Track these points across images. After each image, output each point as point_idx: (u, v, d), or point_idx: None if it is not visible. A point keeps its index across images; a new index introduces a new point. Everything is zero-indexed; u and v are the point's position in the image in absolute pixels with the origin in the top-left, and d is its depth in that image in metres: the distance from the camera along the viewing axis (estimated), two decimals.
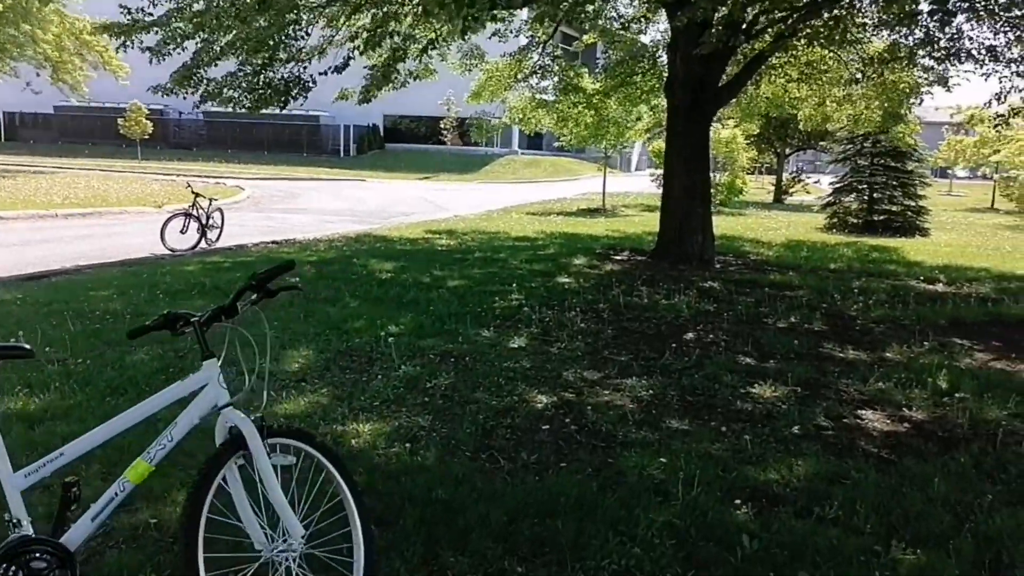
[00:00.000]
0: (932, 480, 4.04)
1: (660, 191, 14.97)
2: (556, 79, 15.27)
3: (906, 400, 5.49)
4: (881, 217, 19.93)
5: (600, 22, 14.71)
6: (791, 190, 34.42)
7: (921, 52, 12.01)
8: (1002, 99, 11.17)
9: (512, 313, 7.98)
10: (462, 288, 9.33)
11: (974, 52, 10.71)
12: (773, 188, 34.37)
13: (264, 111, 12.18)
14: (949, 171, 46.57)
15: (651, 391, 5.58)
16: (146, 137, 43.93)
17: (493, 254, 12.70)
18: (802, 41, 13.20)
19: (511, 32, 14.17)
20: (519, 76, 15.40)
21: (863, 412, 5.25)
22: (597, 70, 14.91)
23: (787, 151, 34.42)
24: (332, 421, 4.57)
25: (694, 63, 12.05)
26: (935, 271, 12.20)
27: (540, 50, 14.79)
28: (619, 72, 14.77)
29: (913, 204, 19.85)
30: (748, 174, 41.63)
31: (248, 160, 45.91)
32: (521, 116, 16.41)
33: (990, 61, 10.67)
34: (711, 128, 24.78)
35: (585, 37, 15.71)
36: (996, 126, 11.20)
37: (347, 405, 4.88)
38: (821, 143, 32.29)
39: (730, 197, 25.32)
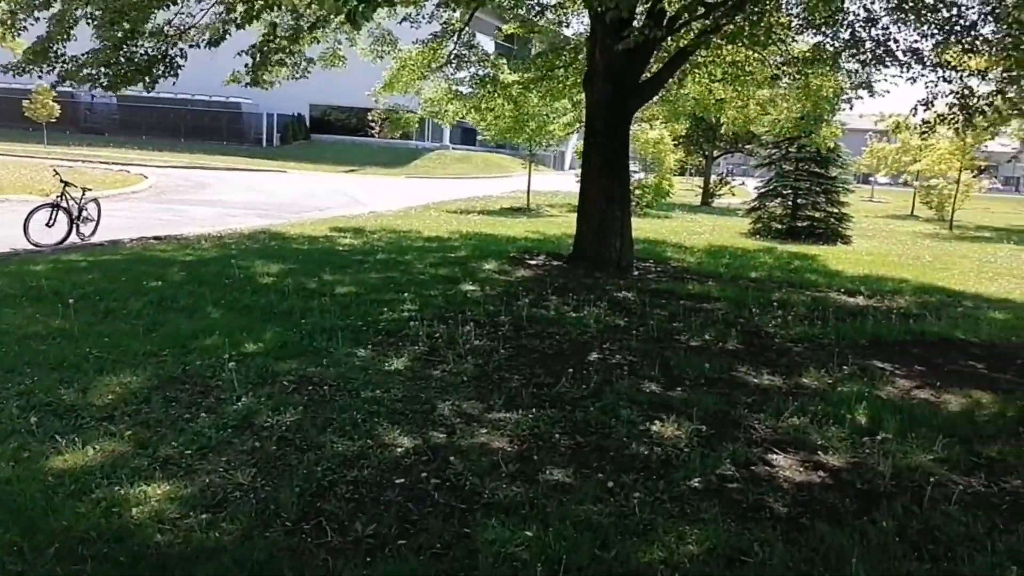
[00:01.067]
0: (849, 555, 3.35)
1: None
2: (473, 70, 14.42)
3: (823, 440, 4.84)
4: (804, 223, 19.69)
5: (520, 11, 13.95)
6: (718, 193, 34.34)
7: (846, 54, 11.58)
8: (929, 105, 10.77)
9: (398, 327, 7.12)
10: (350, 296, 8.42)
11: (899, 55, 10.27)
12: (701, 190, 34.23)
13: (184, 95, 11.10)
14: (871, 177, 47.42)
15: (536, 428, 4.80)
16: (53, 121, 41.40)
17: (398, 256, 11.80)
18: (725, 40, 12.68)
19: (423, 18, 13.27)
20: (434, 66, 14.49)
21: (774, 456, 4.57)
22: (514, 61, 14.12)
23: (715, 153, 34.32)
24: (116, 481, 3.63)
25: (615, 56, 11.37)
26: (856, 282, 11.79)
27: (456, 38, 13.92)
28: (539, 64, 14.01)
29: (836, 211, 19.67)
30: (678, 175, 41.62)
31: (163, 147, 43.81)
32: (436, 109, 15.51)
33: (916, 64, 10.24)
34: (633, 126, 24.40)
35: (505, 27, 14.91)
36: (922, 133, 10.79)
37: (149, 455, 3.95)
38: (747, 146, 32.25)
39: (656, 199, 24.89)
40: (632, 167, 30.57)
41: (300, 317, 7.19)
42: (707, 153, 33.84)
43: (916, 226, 27.44)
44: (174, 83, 10.61)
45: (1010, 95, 10.37)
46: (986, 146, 28.78)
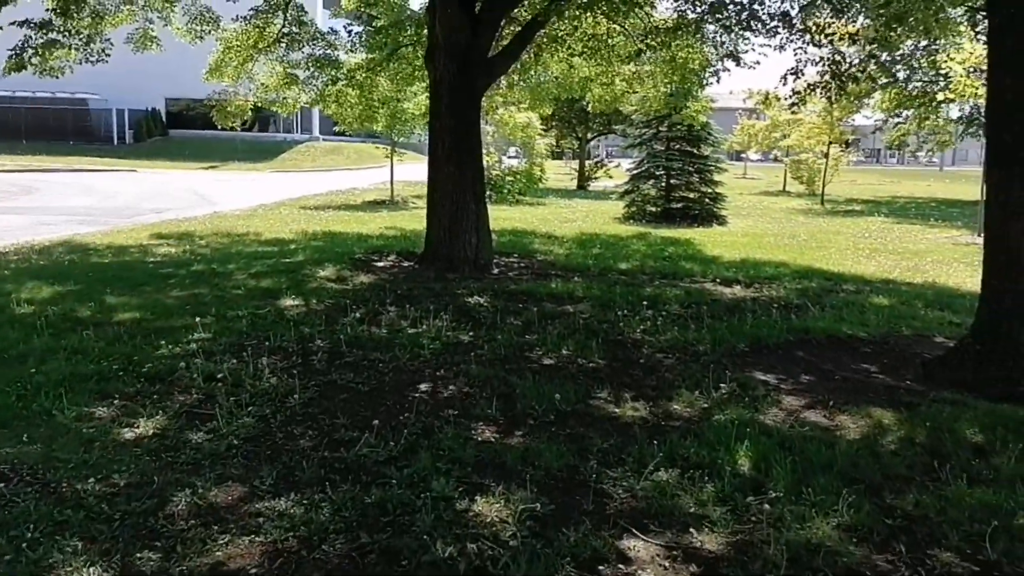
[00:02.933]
0: None
1: None
2: (307, 50, 12.75)
3: (696, 505, 3.65)
4: (679, 205, 18.95)
5: None
6: (594, 176, 33.61)
7: (710, 21, 10.64)
8: (798, 74, 9.93)
9: (170, 368, 5.55)
10: (127, 325, 6.76)
11: (764, 19, 9.35)
12: (576, 174, 33.43)
13: (24, 92, 9.03)
14: (743, 155, 48.05)
15: (309, 525, 3.40)
16: None
17: (219, 266, 10.11)
18: (580, 9, 11.54)
19: None
20: (263, 47, 12.74)
21: (632, 544, 3.34)
22: (350, 40, 12.56)
23: (589, 136, 33.57)
24: None
25: (457, 27, 10.03)
26: (733, 268, 10.91)
27: (284, 14, 12.23)
28: (380, 42, 12.49)
29: (710, 191, 19.01)
30: (556, 159, 40.77)
31: (1, 150, 39.64)
32: (272, 96, 13.76)
33: (784, 29, 9.35)
34: (500, 110, 23.16)
35: (344, 1, 13.29)
36: (792, 105, 9.94)
37: None
38: (618, 126, 31.58)
39: (529, 186, 23.77)
40: (511, 152, 29.65)
41: (37, 363, 5.52)
42: (580, 136, 33.03)
43: (789, 202, 27.41)
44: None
45: (883, 58, 9.62)
46: (852, 119, 29.11)
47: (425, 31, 12.31)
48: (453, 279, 9.63)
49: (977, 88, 14.78)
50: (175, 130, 52.48)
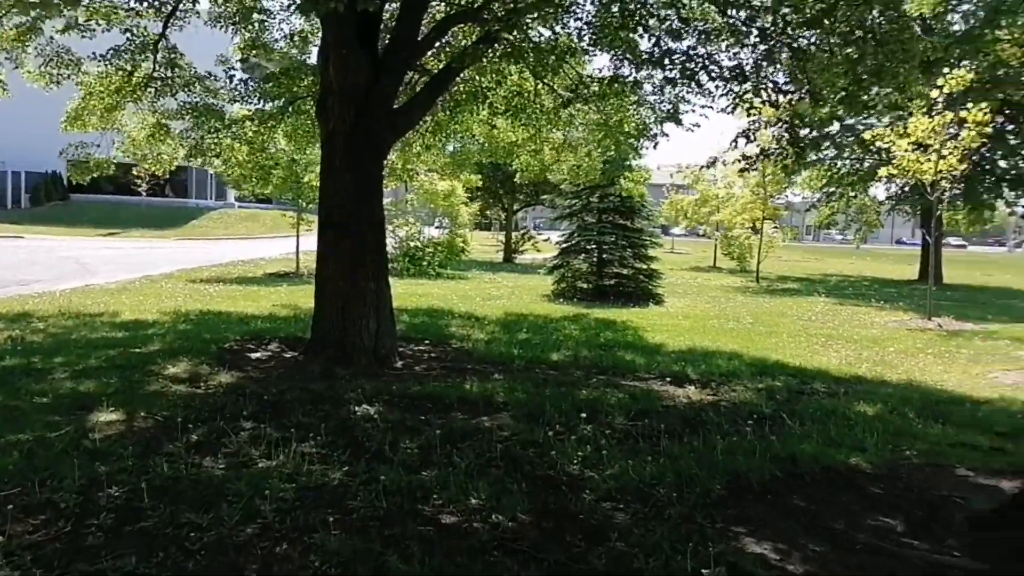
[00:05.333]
0: None
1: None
2: (182, 97, 10.81)
3: None
4: (611, 281, 17.41)
5: (243, 25, 10.61)
6: (521, 248, 32.14)
7: (648, 78, 9.23)
8: (749, 137, 8.51)
9: None
10: None
11: (717, 72, 7.89)
12: (503, 246, 31.92)
13: None
14: (669, 229, 47.65)
15: None
16: None
17: (41, 360, 7.92)
18: (504, 61, 10.04)
19: (98, 24, 9.63)
20: (129, 92, 10.76)
21: None
22: (233, 88, 10.68)
23: (516, 206, 32.20)
24: None
25: (355, 70, 8.32)
26: (682, 361, 9.24)
27: (153, 55, 10.31)
28: (272, 92, 10.67)
29: (644, 267, 17.56)
30: (483, 230, 39.31)
31: None
32: (143, 150, 11.76)
33: (738, 85, 7.91)
34: (422, 176, 21.52)
35: (231, 46, 11.46)
36: (742, 171, 8.48)
37: None
38: (546, 196, 30.34)
39: (450, 258, 22.01)
40: (436, 223, 27.91)
41: None
42: (507, 206, 31.62)
43: (722, 279, 26.30)
44: None
45: (848, 121, 8.28)
46: (784, 196, 28.52)
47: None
48: (343, 376, 7.67)
49: (923, 163, 13.83)
50: (78, 194, 49.34)
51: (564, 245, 18.52)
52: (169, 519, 4.11)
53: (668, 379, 8.20)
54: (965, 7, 17.54)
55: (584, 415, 6.31)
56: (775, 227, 26.60)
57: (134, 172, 44.90)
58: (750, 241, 26.86)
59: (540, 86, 10.78)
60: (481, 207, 30.37)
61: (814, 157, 22.02)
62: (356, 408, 6.47)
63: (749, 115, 8.32)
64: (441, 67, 9.64)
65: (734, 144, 8.78)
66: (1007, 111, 19.03)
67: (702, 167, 19.64)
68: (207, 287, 16.21)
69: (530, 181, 19.78)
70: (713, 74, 7.85)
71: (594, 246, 17.84)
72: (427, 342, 10.14)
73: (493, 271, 25.39)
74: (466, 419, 6.32)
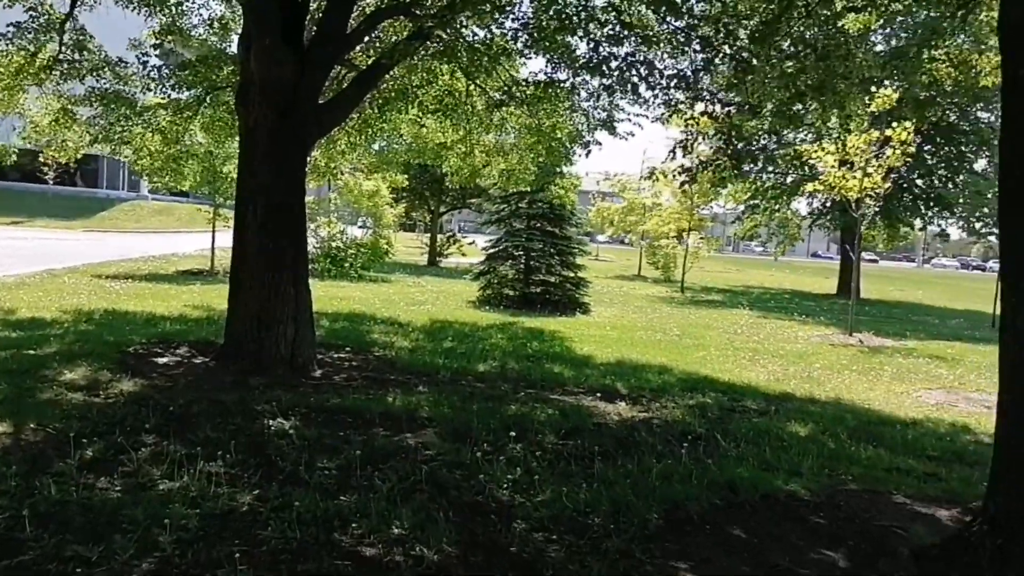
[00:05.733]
0: None
1: None
2: (89, 82, 10.09)
3: None
4: (538, 289, 17.19)
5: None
6: (447, 252, 31.74)
7: (584, 84, 9.05)
8: (687, 148, 8.39)
9: None
10: None
11: (657, 80, 7.73)
12: (428, 249, 31.44)
13: None
14: (595, 236, 47.96)
15: None
16: None
17: None
18: (436, 60, 9.70)
19: None
20: (36, 74, 9.99)
21: None
22: (146, 74, 10.01)
23: (442, 208, 31.78)
24: None
25: (278, 62, 7.86)
26: (611, 374, 9.06)
27: (59, 33, 9.59)
28: (188, 80, 10.05)
29: (572, 275, 17.40)
30: (408, 231, 38.72)
31: None
32: (44, 135, 10.96)
33: (679, 92, 7.77)
34: (346, 175, 20.97)
35: (145, 30, 10.78)
36: (683, 184, 8.36)
37: None
38: (474, 200, 30.01)
39: (373, 260, 21.46)
40: (359, 222, 27.23)
41: None
42: (433, 208, 31.17)
43: (647, 288, 26.46)
44: None
45: (786, 135, 8.23)
46: (711, 207, 28.92)
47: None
48: (257, 386, 7.21)
49: (848, 180, 14.09)
50: None
51: (491, 251, 18.24)
52: (53, 552, 3.66)
53: (598, 394, 7.99)
54: (899, 26, 18.09)
55: (513, 433, 6.00)
56: (701, 237, 26.95)
57: (40, 159, 42.83)
58: (675, 251, 27.15)
59: (472, 87, 10.49)
60: (406, 208, 29.84)
61: (747, 169, 22.35)
62: (270, 422, 6.04)
63: (686, 125, 8.18)
64: (370, 63, 9.24)
65: (672, 155, 8.64)
66: (927, 131, 19.69)
67: (642, 178, 19.69)
68: (114, 284, 15.33)
69: (459, 184, 19.40)
70: (652, 82, 7.68)
71: (521, 252, 17.62)
72: (348, 349, 9.71)
73: (417, 274, 24.95)
74: (388, 436, 5.97)
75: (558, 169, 14.94)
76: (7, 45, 9.62)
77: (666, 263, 28.95)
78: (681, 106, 8.19)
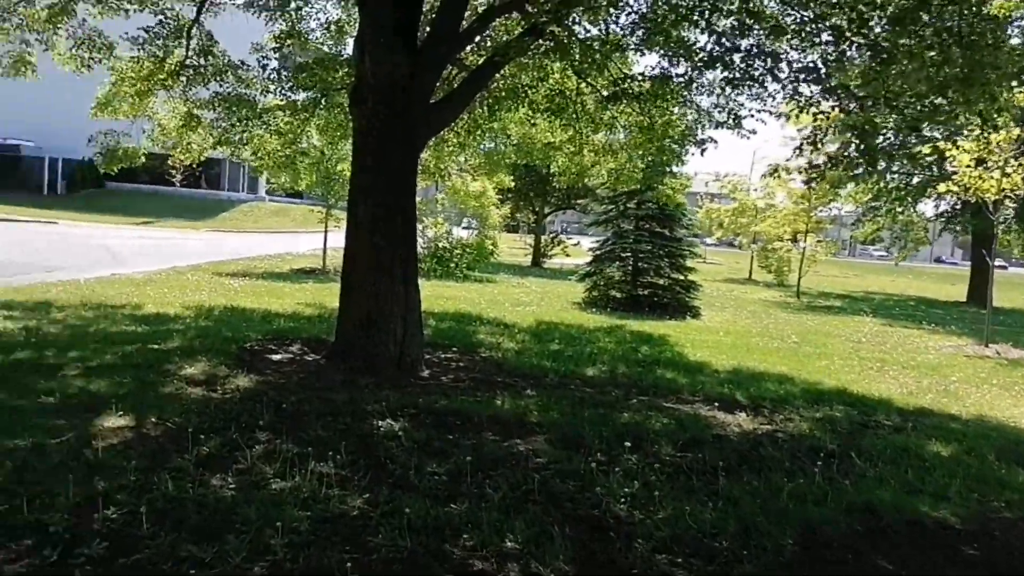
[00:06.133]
0: None
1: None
2: (213, 87, 10.43)
3: None
4: (646, 292, 16.78)
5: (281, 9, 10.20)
6: (551, 252, 31.56)
7: (699, 79, 8.67)
8: (816, 144, 7.89)
9: None
10: None
11: (781, 71, 7.28)
12: (532, 249, 31.34)
13: None
14: (704, 239, 46.88)
15: None
16: None
17: (54, 354, 7.52)
18: (547, 58, 9.52)
19: (129, 2, 9.26)
20: (160, 79, 10.40)
21: None
22: (266, 77, 10.24)
23: (546, 210, 31.62)
24: None
25: (392, 63, 7.85)
26: (728, 383, 8.65)
27: (186, 41, 9.94)
28: (305, 83, 10.24)
29: (682, 278, 16.91)
30: (511, 232, 38.79)
31: None
32: (171, 138, 11.41)
33: (808, 84, 7.30)
34: (454, 176, 21.07)
35: (267, 34, 11.05)
36: (809, 181, 7.86)
37: None
38: (580, 201, 29.69)
39: (479, 260, 21.50)
40: (464, 223, 27.46)
41: None
42: (538, 209, 31.04)
43: (759, 292, 25.55)
44: None
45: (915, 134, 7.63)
46: (830, 208, 27.64)
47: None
48: (366, 385, 7.20)
49: (985, 181, 13.10)
50: (114, 182, 49.66)
51: (598, 252, 17.93)
52: (169, 551, 3.64)
53: (716, 403, 7.61)
54: None
55: (628, 443, 5.74)
56: (818, 240, 25.78)
57: (168, 162, 45.16)
58: (790, 254, 26.08)
59: (583, 85, 10.27)
60: (511, 209, 29.83)
61: (882, 167, 21.18)
62: (379, 423, 5.98)
63: (814, 120, 7.68)
64: (481, 62, 9.15)
65: (798, 152, 8.13)
66: None
67: (763, 175, 18.92)
68: (233, 281, 15.87)
69: (566, 184, 19.19)
70: (778, 75, 7.25)
71: (629, 254, 17.24)
72: (455, 350, 9.64)
73: (521, 275, 24.86)
74: (498, 441, 5.81)
75: (668, 169, 14.52)
76: (139, 51, 10.01)
77: (780, 267, 27.87)
78: (810, 100, 7.69)
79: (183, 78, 10.33)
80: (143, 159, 11.60)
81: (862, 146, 7.95)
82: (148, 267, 17.62)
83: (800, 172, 8.47)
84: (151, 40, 9.76)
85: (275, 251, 25.32)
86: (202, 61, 10.24)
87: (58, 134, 41.90)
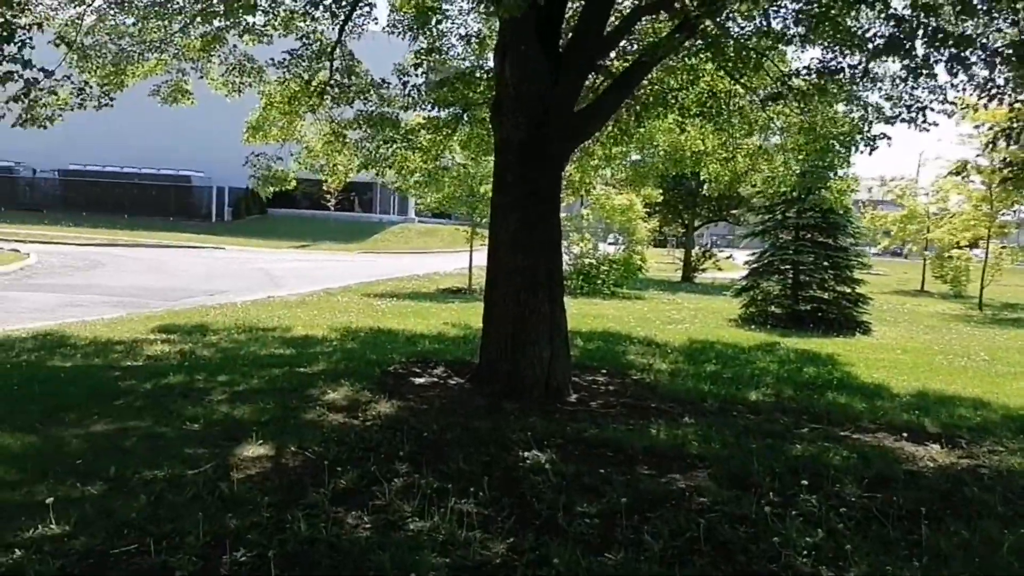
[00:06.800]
0: None
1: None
2: (358, 105, 10.44)
3: None
4: (808, 307, 15.57)
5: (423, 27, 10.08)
6: (701, 267, 30.37)
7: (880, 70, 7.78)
8: (1016, 137, 6.83)
9: None
10: None
11: (975, 55, 6.31)
12: (682, 264, 30.26)
13: (131, 169, 7.24)
14: (867, 249, 43.96)
15: None
16: None
17: (205, 378, 7.61)
18: (696, 58, 8.87)
19: (275, 28, 9.39)
20: (305, 100, 10.53)
21: None
22: (407, 94, 10.14)
23: (696, 222, 30.49)
24: None
25: (534, 73, 7.50)
26: (912, 409, 7.65)
27: (330, 61, 10.01)
28: (446, 98, 10.07)
29: (848, 291, 15.58)
30: (659, 247, 37.76)
31: (102, 223, 39.86)
32: (320, 161, 11.57)
33: (1003, 65, 6.30)
34: (598, 190, 20.51)
35: (409, 54, 10.99)
36: (1004, 181, 6.81)
37: None
38: (733, 212, 28.37)
39: (626, 276, 20.82)
40: (610, 238, 26.89)
41: None
42: (687, 221, 29.98)
43: (934, 304, 23.41)
44: None
45: None
46: (1014, 211, 25.01)
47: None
48: (511, 411, 6.79)
49: None
50: (274, 208, 52.54)
51: (754, 265, 16.87)
52: None
53: (903, 433, 6.69)
54: None
55: (805, 481, 5.01)
56: (1002, 247, 23.31)
57: (323, 187, 47.27)
58: (969, 263, 23.76)
59: (737, 86, 9.52)
60: (659, 223, 28.93)
61: None
62: (525, 454, 5.55)
63: (1011, 110, 6.64)
64: (627, 66, 8.62)
65: (991, 146, 7.09)
66: None
67: (948, 174, 17.26)
68: (380, 302, 16.03)
69: (717, 194, 18.23)
70: (967, 60, 6.28)
71: (789, 266, 16.09)
72: (603, 372, 9.11)
73: (672, 291, 23.94)
74: (654, 477, 5.24)
75: (832, 171, 13.39)
76: (284, 73, 10.17)
77: (957, 276, 25.47)
78: (1003, 89, 6.67)
79: (327, 98, 10.39)
80: (293, 182, 11.79)
81: None
82: (301, 289, 18.16)
83: (994, 172, 7.36)
84: (296, 63, 9.87)
85: (423, 271, 25.67)
86: (345, 80, 10.28)
87: (224, 164, 44.79)
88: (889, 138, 9.39)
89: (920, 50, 6.61)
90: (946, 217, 24.88)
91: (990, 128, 15.20)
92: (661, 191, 22.06)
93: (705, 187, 15.76)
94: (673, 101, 9.66)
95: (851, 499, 4.89)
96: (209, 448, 5.35)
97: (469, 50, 10.82)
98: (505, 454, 5.54)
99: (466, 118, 11.05)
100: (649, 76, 9.46)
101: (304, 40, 9.59)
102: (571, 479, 5.05)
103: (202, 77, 10.89)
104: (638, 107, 9.76)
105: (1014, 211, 24.81)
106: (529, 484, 4.94)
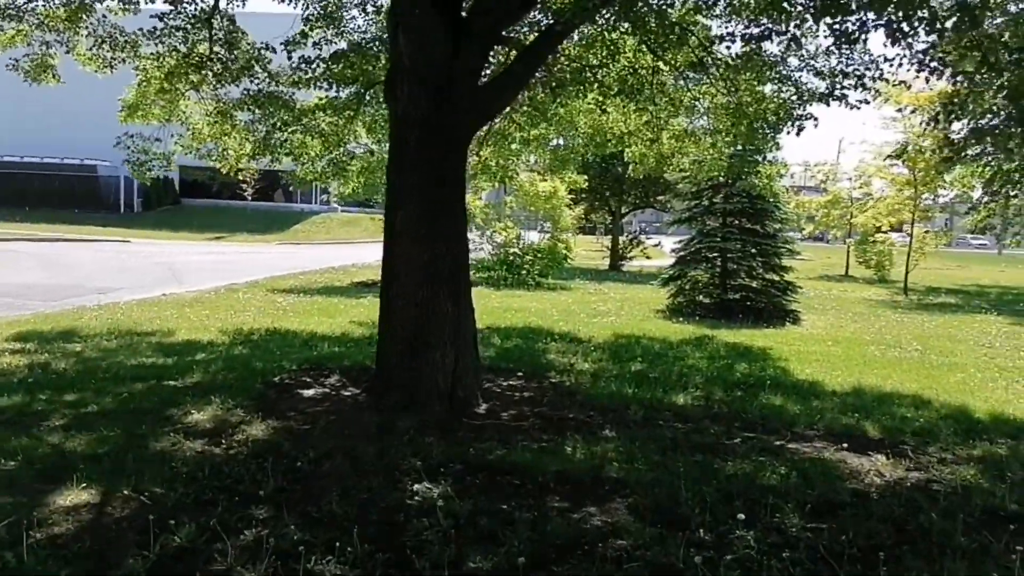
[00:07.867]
0: None
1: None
2: (243, 83, 9.32)
3: None
4: (737, 296, 15.05)
5: None
6: (629, 255, 29.84)
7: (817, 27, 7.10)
8: (959, 113, 6.22)
9: None
10: None
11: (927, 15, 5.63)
12: (609, 252, 29.67)
13: (32, 159, 5.87)
14: (792, 233, 44.34)
15: None
16: None
17: (48, 398, 6.47)
18: (618, 31, 8.10)
19: None
20: (192, 78, 9.36)
21: None
22: (299, 70, 9.05)
23: (623, 209, 29.92)
24: None
25: (430, 41, 6.56)
26: (850, 410, 7.02)
27: (208, 29, 8.85)
28: (343, 75, 9.03)
29: (777, 279, 15.10)
30: (588, 235, 37.18)
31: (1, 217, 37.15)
32: (207, 144, 10.37)
33: (954, 30, 5.63)
34: (523, 175, 19.68)
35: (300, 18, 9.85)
36: (945, 160, 6.19)
37: None
38: (659, 198, 27.88)
39: (552, 266, 20.03)
40: (539, 227, 26.15)
41: None
42: (614, 209, 29.38)
43: (861, 290, 23.32)
44: None
45: None
46: (937, 196, 25.07)
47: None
48: (406, 430, 5.88)
49: None
50: (189, 199, 50.30)
51: (681, 253, 16.26)
52: None
53: (842, 441, 6.03)
54: None
55: (742, 516, 4.24)
56: (925, 231, 23.39)
57: (240, 176, 45.22)
58: (892, 247, 23.79)
59: (660, 63, 8.76)
60: (586, 210, 28.27)
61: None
62: (415, 487, 4.65)
63: (958, 82, 6.03)
64: (533, 38, 7.77)
65: (931, 125, 6.50)
66: None
67: (887, 157, 16.88)
68: (287, 298, 14.87)
69: (644, 177, 17.59)
70: (913, 18, 5.60)
71: (717, 254, 15.53)
72: (520, 374, 8.26)
73: (598, 280, 23.26)
74: (565, 512, 4.41)
75: (760, 155, 12.82)
76: (158, 45, 9.00)
77: (880, 261, 25.53)
78: (949, 56, 6.03)
79: (208, 74, 9.24)
80: (169, 167, 10.61)
81: (1016, 113, 6.22)
82: (204, 285, 16.83)
83: (934, 152, 6.79)
84: (170, 33, 8.70)
85: (340, 263, 24.44)
86: (227, 54, 9.15)
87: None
88: (816, 119, 8.77)
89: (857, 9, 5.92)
90: (870, 202, 24.88)
91: (912, 111, 14.92)
92: (587, 177, 21.35)
93: (630, 168, 15.01)
94: (592, 79, 8.82)
95: (793, 532, 4.15)
96: (16, 496, 4.29)
97: (369, 20, 9.79)
98: (390, 490, 4.63)
99: (368, 98, 10.05)
100: (567, 52, 8.66)
101: (177, 4, 8.41)
102: (466, 521, 4.17)
103: (68, 52, 9.65)
104: (553, 83, 8.91)
105: (937, 196, 24.92)
106: (413, 531, 4.04)
